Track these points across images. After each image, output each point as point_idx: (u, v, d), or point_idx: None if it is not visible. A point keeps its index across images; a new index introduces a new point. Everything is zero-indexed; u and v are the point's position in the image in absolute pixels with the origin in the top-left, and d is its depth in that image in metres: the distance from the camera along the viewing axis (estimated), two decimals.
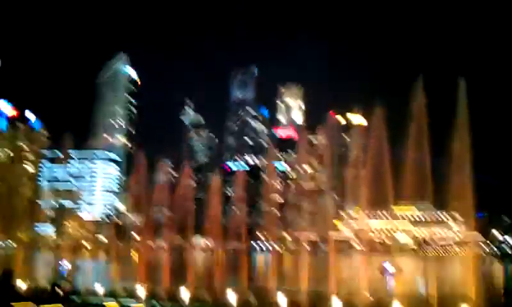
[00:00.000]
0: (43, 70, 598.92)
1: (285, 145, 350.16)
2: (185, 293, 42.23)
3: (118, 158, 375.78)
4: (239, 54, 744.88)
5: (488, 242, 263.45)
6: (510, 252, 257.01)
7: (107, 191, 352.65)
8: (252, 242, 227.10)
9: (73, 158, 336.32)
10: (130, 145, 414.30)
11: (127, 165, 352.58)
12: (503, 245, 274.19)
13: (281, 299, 38.48)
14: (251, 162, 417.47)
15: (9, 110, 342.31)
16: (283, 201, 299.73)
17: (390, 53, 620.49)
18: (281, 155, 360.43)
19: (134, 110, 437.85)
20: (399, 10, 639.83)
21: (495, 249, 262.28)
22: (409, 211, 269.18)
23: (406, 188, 49.64)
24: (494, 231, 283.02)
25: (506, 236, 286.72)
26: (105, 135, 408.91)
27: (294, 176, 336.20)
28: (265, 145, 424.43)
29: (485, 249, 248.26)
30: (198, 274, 65.52)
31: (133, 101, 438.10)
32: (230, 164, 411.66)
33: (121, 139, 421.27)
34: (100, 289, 46.02)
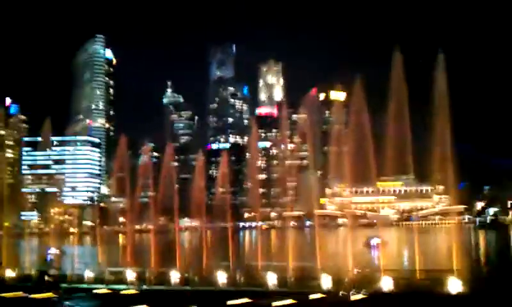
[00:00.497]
0: (20, 55, 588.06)
1: (266, 123, 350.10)
2: (174, 276, 42.34)
3: (98, 141, 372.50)
4: (217, 32, 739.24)
5: (470, 211, 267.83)
6: (490, 222, 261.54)
7: (90, 175, 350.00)
8: (238, 220, 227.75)
9: (54, 144, 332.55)
10: (110, 127, 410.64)
11: (108, 148, 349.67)
12: (484, 215, 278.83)
13: (270, 276, 38.81)
14: (234, 141, 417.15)
15: None
16: (266, 179, 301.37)
17: (369, 26, 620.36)
18: (264, 133, 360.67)
19: (113, 93, 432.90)
20: None
21: (476, 218, 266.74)
22: (393, 185, 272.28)
23: (388, 163, 50.04)
24: (476, 202, 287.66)
25: (487, 206, 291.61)
26: (84, 118, 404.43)
27: (277, 154, 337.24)
28: (247, 124, 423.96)
29: (467, 219, 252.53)
30: (186, 256, 65.71)
31: (112, 83, 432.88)
32: (212, 144, 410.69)
33: (101, 122, 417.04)
34: (88, 274, 45.83)
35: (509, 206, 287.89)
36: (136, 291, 41.58)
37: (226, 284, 40.05)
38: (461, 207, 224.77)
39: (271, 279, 38.52)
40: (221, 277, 40.49)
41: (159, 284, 42.69)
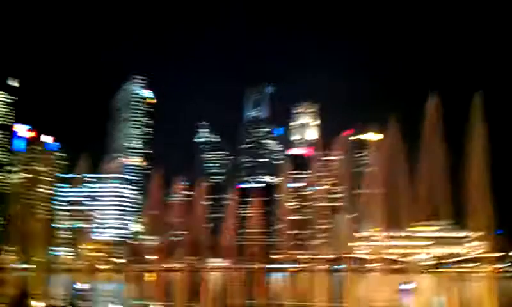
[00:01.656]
0: (60, 92, 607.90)
1: (300, 163, 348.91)
2: None
3: (133, 178, 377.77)
4: (253, 72, 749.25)
5: (507, 260, 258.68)
6: None
7: (122, 212, 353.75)
8: (268, 262, 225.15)
9: (89, 181, 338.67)
10: (145, 165, 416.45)
11: (143, 186, 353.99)
12: None
13: None
14: (266, 181, 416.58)
15: (27, 132, 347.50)
16: (298, 220, 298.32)
17: (405, 68, 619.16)
18: (296, 174, 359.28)
19: (150, 131, 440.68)
20: (413, 25, 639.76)
21: None
22: (427, 230, 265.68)
23: (422, 207, 48.87)
24: None
25: None
26: (120, 156, 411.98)
27: (309, 194, 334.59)
28: (280, 164, 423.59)
29: (503, 267, 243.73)
30: (214, 294, 64.97)
31: (149, 121, 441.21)
32: (245, 183, 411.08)
33: (136, 160, 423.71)
34: None
35: None
36: None
37: None
38: (498, 254, 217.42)
39: None
40: None
41: None
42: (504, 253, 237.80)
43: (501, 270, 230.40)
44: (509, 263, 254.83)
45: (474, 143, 44.15)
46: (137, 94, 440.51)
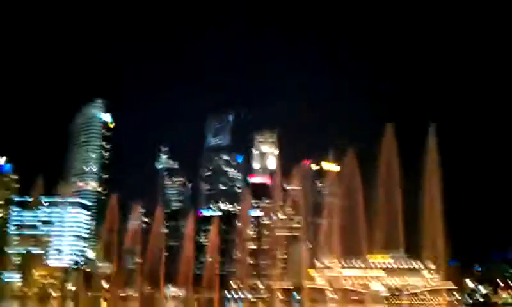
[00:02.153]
0: (15, 113, 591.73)
1: (259, 192, 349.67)
2: None
3: (89, 204, 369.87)
4: (214, 100, 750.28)
5: (460, 290, 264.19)
6: (482, 301, 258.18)
7: (77, 238, 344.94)
8: (225, 291, 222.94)
9: (43, 204, 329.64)
10: (102, 191, 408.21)
11: (99, 211, 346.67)
12: (475, 294, 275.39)
13: None
14: (225, 209, 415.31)
15: None
16: (256, 248, 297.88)
17: (361, 99, 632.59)
18: (255, 202, 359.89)
19: (108, 156, 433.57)
20: (368, 53, 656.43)
21: (468, 297, 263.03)
22: (383, 259, 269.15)
23: (379, 237, 49.79)
24: (466, 280, 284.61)
25: (478, 285, 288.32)
26: (77, 181, 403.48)
27: (267, 223, 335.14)
28: (239, 192, 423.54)
29: (457, 298, 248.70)
30: None
31: (107, 146, 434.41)
32: (203, 210, 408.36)
33: (93, 185, 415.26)
34: None
35: (500, 286, 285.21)
36: None
37: None
38: (451, 285, 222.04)
39: None
40: None
41: None
42: (457, 284, 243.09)
43: (454, 301, 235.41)
44: (465, 294, 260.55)
45: (428, 175, 45.60)
46: (96, 117, 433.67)
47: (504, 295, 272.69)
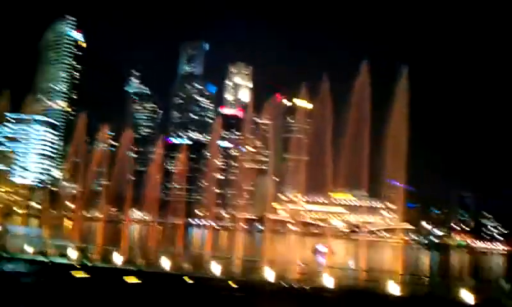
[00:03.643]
0: None
1: (229, 123, 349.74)
2: (117, 257, 42.08)
3: (57, 123, 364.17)
4: (189, 28, 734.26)
5: (417, 232, 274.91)
6: (436, 242, 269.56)
7: (43, 156, 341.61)
8: (190, 218, 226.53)
9: (9, 121, 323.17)
10: (70, 111, 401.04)
11: (66, 131, 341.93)
12: (430, 236, 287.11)
13: (215, 266, 39.13)
14: (195, 138, 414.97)
15: None
16: (223, 179, 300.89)
17: (341, 36, 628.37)
18: (225, 133, 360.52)
19: (77, 76, 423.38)
20: None
21: (423, 238, 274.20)
22: (344, 197, 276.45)
23: (343, 175, 50.66)
24: (423, 222, 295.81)
25: (434, 228, 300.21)
26: (45, 99, 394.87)
27: (236, 155, 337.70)
28: (210, 122, 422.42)
29: (414, 238, 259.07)
30: (133, 244, 65.10)
31: (77, 66, 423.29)
32: (172, 138, 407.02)
33: (62, 104, 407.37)
34: (29, 249, 45.39)
35: (455, 229, 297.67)
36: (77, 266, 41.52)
37: (170, 269, 40.12)
38: (408, 225, 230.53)
39: (216, 268, 38.95)
40: (166, 263, 40.58)
41: (102, 262, 42.40)
42: (414, 226, 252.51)
43: (410, 240, 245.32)
44: (418, 236, 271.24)
45: (395, 115, 46.11)
46: (67, 35, 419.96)
47: (458, 238, 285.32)
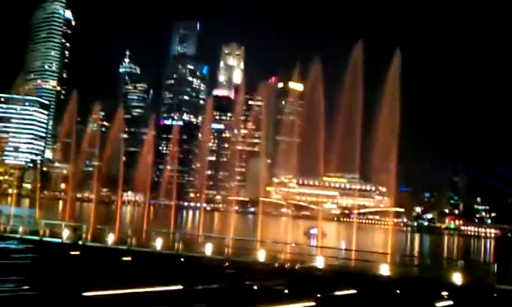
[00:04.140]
0: None
1: (222, 105, 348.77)
2: (109, 236, 42.26)
3: (48, 103, 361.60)
4: (182, 6, 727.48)
5: (409, 215, 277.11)
6: (426, 225, 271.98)
7: (35, 137, 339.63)
8: (182, 200, 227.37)
9: (1, 101, 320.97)
10: (62, 91, 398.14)
11: (58, 111, 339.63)
12: (421, 219, 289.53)
13: (207, 246, 39.44)
14: (187, 120, 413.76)
15: None
16: (216, 161, 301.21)
17: (334, 19, 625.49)
18: (218, 115, 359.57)
19: (68, 55, 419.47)
20: None
21: (414, 222, 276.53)
22: (337, 181, 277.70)
23: (335, 158, 50.73)
24: (415, 207, 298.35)
25: (425, 211, 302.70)
26: (36, 79, 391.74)
27: (229, 137, 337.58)
28: (203, 103, 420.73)
29: (404, 221, 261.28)
30: (125, 224, 65.25)
31: (68, 45, 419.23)
32: (165, 119, 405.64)
33: (52, 84, 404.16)
34: (23, 227, 45.66)
35: (446, 213, 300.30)
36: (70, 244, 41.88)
37: (162, 249, 40.41)
38: (400, 209, 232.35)
39: (208, 248, 39.26)
40: (158, 242, 40.85)
41: (94, 241, 42.64)
42: (406, 209, 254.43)
43: (401, 223, 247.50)
44: (409, 219, 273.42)
45: (387, 98, 46.05)
46: (58, 13, 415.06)
47: (448, 221, 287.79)
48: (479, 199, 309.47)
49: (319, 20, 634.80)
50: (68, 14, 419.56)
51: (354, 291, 29.66)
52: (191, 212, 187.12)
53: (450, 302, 29.50)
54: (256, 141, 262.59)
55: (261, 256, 37.46)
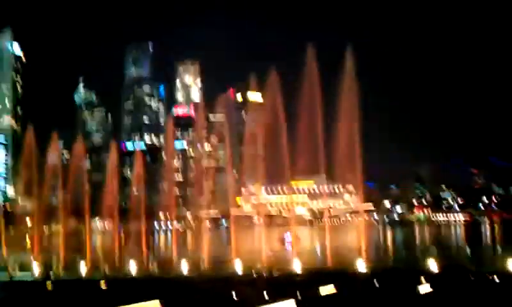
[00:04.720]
0: None
1: (183, 123, 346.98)
2: (82, 266, 41.28)
3: (4, 142, 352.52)
4: (134, 29, 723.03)
5: (379, 210, 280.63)
6: (397, 219, 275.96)
7: None
8: (153, 222, 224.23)
9: None
10: (17, 128, 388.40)
11: (16, 148, 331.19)
12: (391, 213, 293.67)
13: (183, 265, 38.97)
14: (149, 142, 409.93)
15: None
16: (183, 180, 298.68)
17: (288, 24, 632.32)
18: (180, 134, 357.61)
19: (21, 90, 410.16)
20: None
21: (385, 217, 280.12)
22: (305, 184, 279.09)
23: (301, 163, 51.01)
24: (384, 201, 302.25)
25: (395, 205, 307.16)
26: None
27: (193, 155, 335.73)
28: (163, 124, 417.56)
29: (376, 218, 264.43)
30: (97, 253, 63.96)
31: (20, 81, 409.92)
32: (127, 144, 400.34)
33: (7, 121, 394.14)
34: None
35: (415, 205, 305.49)
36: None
37: (139, 274, 39.69)
38: (370, 205, 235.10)
39: (184, 267, 38.83)
40: (133, 268, 40.08)
41: (67, 271, 41.54)
42: (376, 205, 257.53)
43: (374, 220, 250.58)
44: (379, 214, 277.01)
45: (345, 95, 46.62)
46: (7, 50, 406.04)
47: (418, 212, 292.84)
48: (443, 186, 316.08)
49: (273, 27, 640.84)
50: (16, 47, 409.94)
51: (333, 289, 29.79)
52: (162, 234, 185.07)
53: (429, 287, 29.95)
54: (221, 155, 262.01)
55: (238, 268, 37.30)
